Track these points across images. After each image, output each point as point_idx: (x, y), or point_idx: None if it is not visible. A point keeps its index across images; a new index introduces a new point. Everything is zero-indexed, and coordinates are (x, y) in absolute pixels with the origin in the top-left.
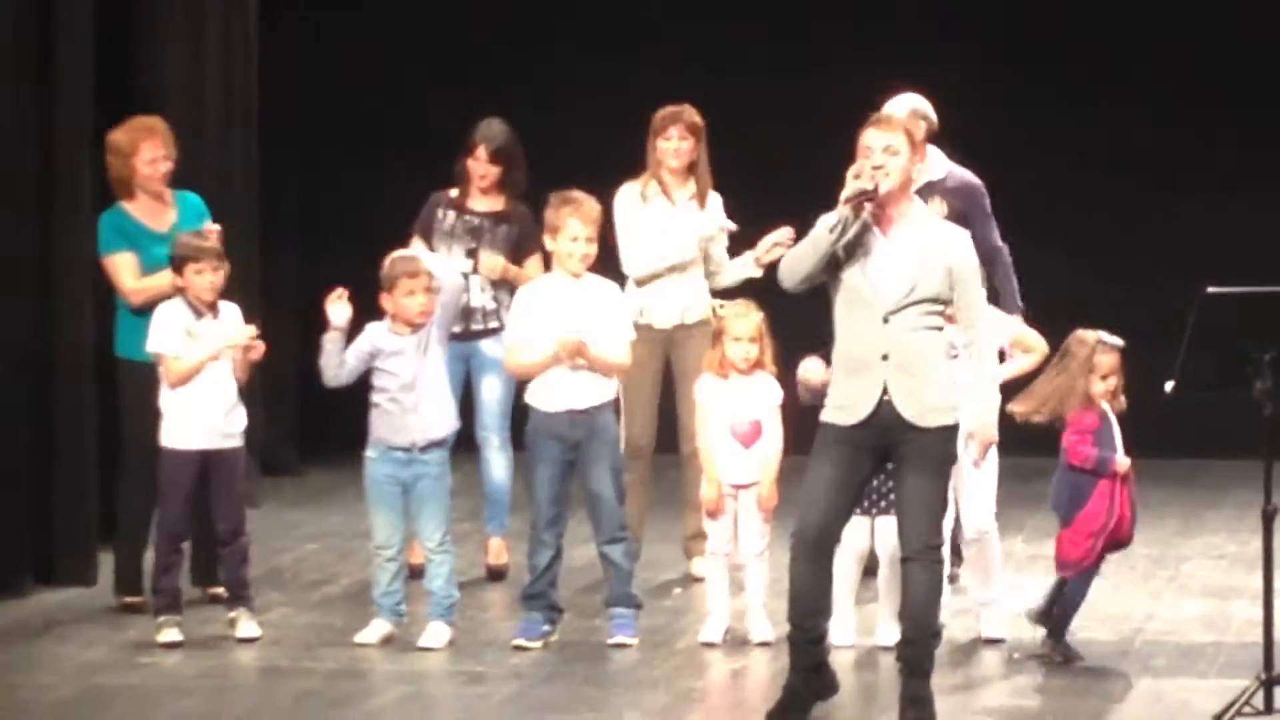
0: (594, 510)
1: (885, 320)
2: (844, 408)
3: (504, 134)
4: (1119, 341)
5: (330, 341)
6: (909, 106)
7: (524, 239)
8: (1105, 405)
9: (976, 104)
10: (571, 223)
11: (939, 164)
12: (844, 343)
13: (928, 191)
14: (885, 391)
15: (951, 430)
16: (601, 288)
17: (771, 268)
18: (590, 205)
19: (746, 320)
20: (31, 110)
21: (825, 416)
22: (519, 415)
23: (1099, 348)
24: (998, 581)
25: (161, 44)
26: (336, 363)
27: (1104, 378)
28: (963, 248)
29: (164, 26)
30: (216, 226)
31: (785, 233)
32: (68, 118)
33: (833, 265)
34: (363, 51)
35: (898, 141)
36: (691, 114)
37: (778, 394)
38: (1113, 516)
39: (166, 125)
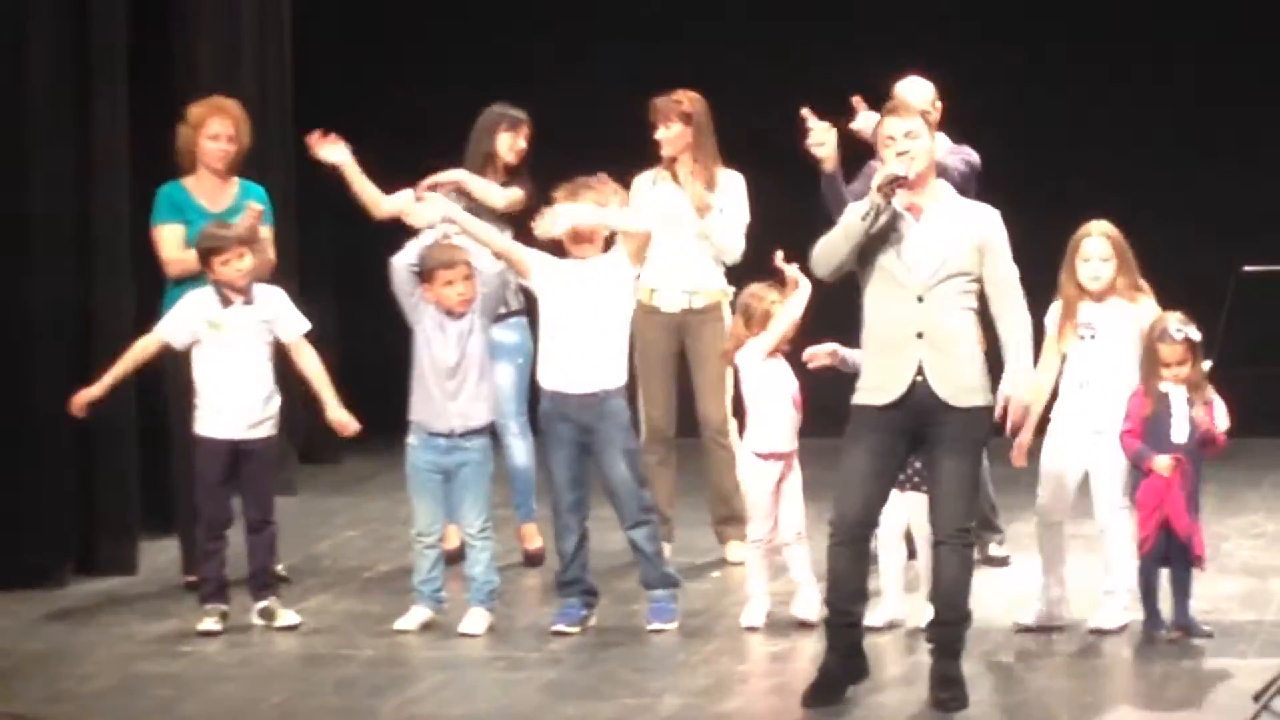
0: (612, 496)
1: (920, 299)
2: (878, 387)
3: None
4: (1185, 333)
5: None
6: (924, 92)
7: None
8: (1171, 389)
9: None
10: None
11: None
12: (876, 324)
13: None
14: (919, 371)
15: (985, 411)
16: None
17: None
18: (595, 187)
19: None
20: (68, 74)
21: (857, 399)
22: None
23: (1162, 338)
24: (1120, 571)
25: (195, 23)
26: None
27: (1166, 366)
28: (992, 222)
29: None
30: (259, 205)
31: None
32: (104, 89)
33: (865, 251)
34: (404, 33)
35: (917, 126)
36: (676, 101)
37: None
38: (1160, 512)
39: (243, 110)
